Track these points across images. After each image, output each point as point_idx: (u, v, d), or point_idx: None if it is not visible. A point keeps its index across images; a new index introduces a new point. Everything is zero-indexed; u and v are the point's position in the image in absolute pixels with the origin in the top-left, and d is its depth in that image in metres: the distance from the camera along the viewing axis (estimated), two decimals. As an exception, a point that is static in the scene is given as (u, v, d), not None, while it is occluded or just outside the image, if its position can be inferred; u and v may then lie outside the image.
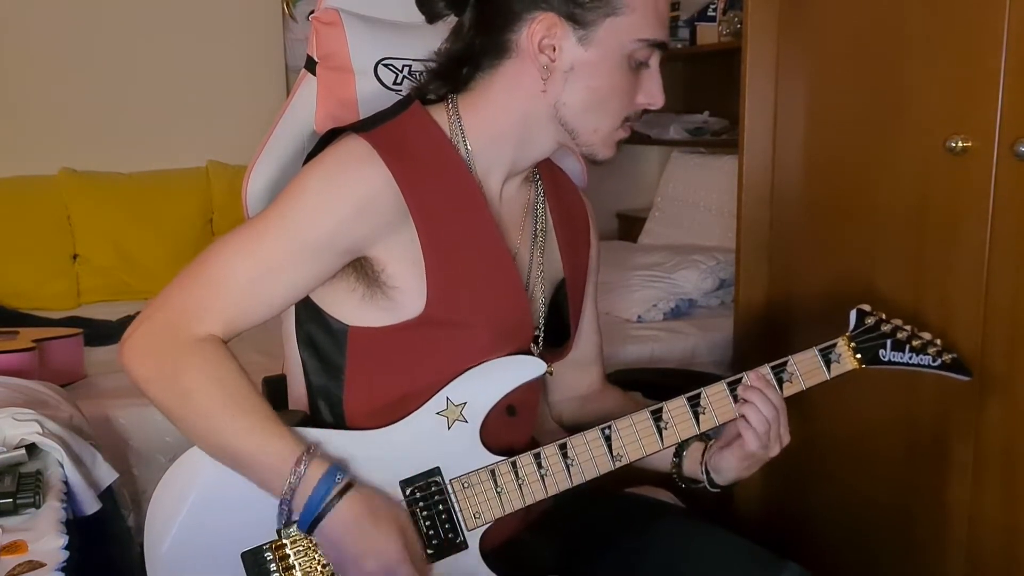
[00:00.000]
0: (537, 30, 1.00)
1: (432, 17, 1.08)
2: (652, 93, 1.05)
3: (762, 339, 1.87)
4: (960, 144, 1.38)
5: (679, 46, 3.16)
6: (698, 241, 2.91)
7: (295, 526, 0.98)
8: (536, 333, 1.12)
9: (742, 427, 1.06)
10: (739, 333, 1.95)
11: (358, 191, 0.98)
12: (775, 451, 1.07)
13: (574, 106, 1.03)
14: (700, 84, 3.45)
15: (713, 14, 3.03)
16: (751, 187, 1.84)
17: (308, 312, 1.08)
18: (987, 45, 1.33)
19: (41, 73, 3.04)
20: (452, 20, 1.09)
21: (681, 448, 1.14)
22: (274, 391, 1.37)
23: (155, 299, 0.99)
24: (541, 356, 1.10)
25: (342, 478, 0.95)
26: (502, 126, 1.05)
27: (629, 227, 3.54)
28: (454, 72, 1.07)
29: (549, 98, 1.03)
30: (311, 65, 1.29)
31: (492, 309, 1.05)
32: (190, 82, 3.18)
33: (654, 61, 1.05)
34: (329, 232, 0.98)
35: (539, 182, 1.16)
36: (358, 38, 1.26)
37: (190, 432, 0.97)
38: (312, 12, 1.30)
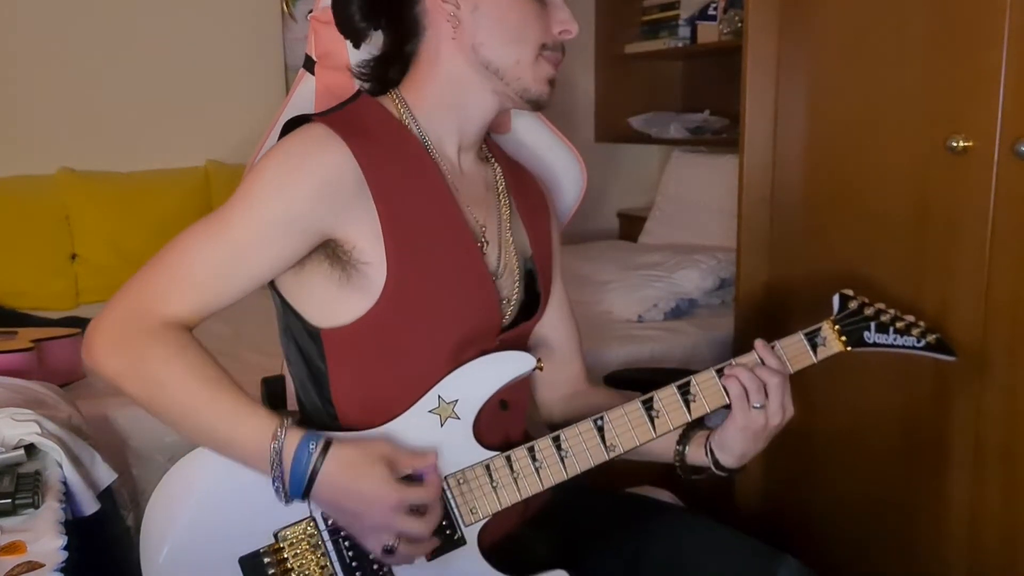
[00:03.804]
0: None
1: (356, 36, 1.13)
2: (564, 21, 1.09)
3: (762, 339, 1.87)
4: (960, 144, 1.37)
5: (679, 45, 3.16)
6: (699, 240, 2.91)
7: (296, 524, 0.99)
8: (504, 309, 1.12)
9: (736, 397, 1.06)
10: (739, 333, 1.95)
11: (319, 170, 0.99)
12: (776, 421, 1.06)
13: (490, 43, 1.07)
14: (700, 83, 3.45)
15: (713, 13, 3.03)
16: (752, 186, 1.84)
17: (288, 317, 1.09)
18: (987, 45, 1.33)
19: (40, 73, 3.03)
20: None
21: (684, 439, 1.14)
22: (273, 391, 1.37)
23: (117, 292, 0.99)
24: (514, 328, 1.12)
25: (317, 441, 0.95)
26: (438, 95, 1.09)
27: (630, 226, 3.54)
28: (383, 73, 1.12)
29: (465, 43, 1.07)
30: (309, 64, 1.29)
31: (452, 279, 1.06)
32: (189, 81, 3.17)
33: None
34: (291, 210, 0.98)
35: (494, 162, 1.19)
36: (357, 37, 1.26)
37: (167, 420, 0.97)
38: (311, 11, 1.30)
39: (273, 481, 0.95)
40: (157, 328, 0.96)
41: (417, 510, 0.97)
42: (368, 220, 1.01)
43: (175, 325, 0.97)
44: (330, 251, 1.02)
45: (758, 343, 1.09)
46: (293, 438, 0.95)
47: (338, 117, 1.05)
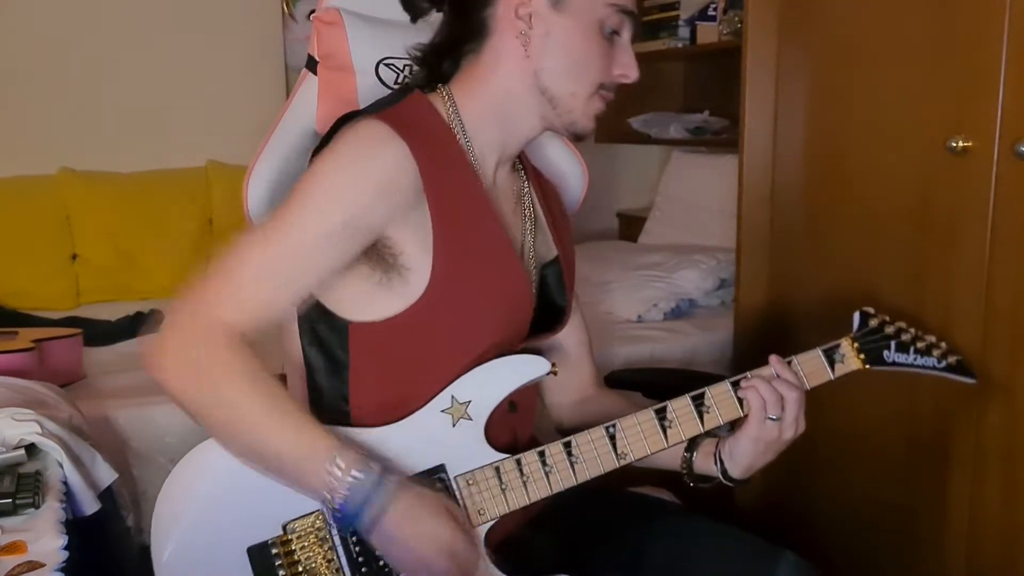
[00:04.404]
0: None
1: (416, 13, 1.12)
2: (626, 65, 1.09)
3: (762, 339, 1.87)
4: (960, 144, 1.38)
5: (679, 45, 3.16)
6: (699, 241, 2.91)
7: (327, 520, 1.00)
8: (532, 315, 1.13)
9: (755, 407, 1.06)
10: (739, 333, 1.95)
11: (381, 170, 0.99)
12: (789, 435, 1.07)
13: (553, 71, 1.06)
14: (700, 83, 3.45)
15: (713, 13, 3.03)
16: (751, 186, 1.84)
17: (312, 310, 1.08)
18: (987, 45, 1.33)
19: (41, 73, 3.03)
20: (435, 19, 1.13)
21: (692, 445, 1.14)
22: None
23: (177, 303, 0.97)
24: (535, 338, 1.11)
25: (390, 479, 0.94)
26: (491, 105, 1.08)
27: (629, 227, 3.54)
28: (438, 63, 1.11)
29: (530, 65, 1.06)
30: (312, 65, 1.29)
31: (494, 291, 1.06)
32: (190, 82, 3.17)
33: (626, 34, 1.10)
34: (354, 213, 0.98)
35: (522, 171, 1.19)
36: (359, 37, 1.26)
37: (221, 432, 0.96)
38: (313, 11, 1.30)
39: (332, 511, 0.95)
40: (219, 339, 0.94)
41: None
42: (419, 223, 1.01)
43: (236, 338, 0.95)
44: (374, 252, 1.01)
45: (774, 358, 1.09)
46: (366, 472, 0.93)
47: (394, 115, 1.03)
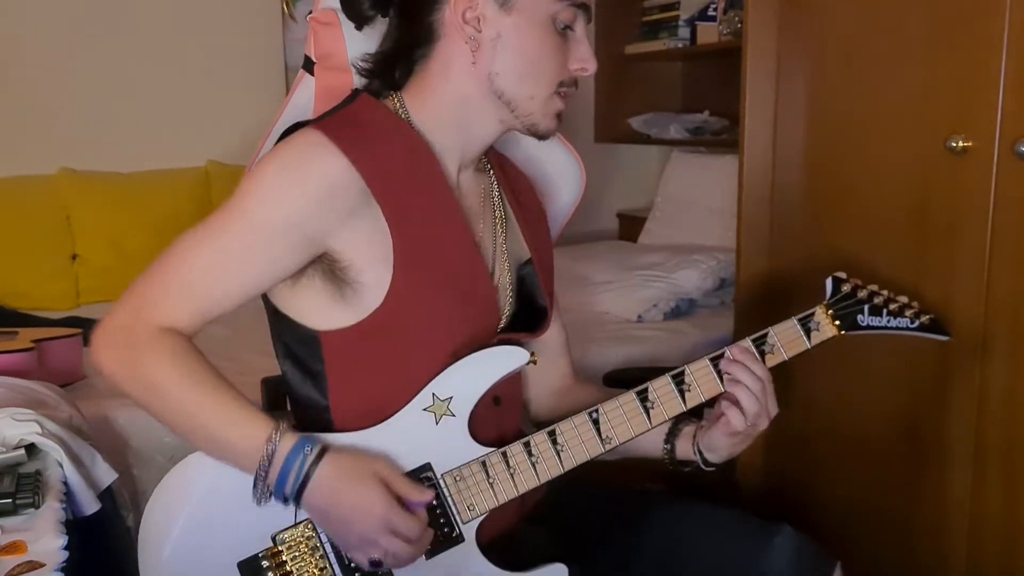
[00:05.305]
0: (459, 3, 1.02)
1: (360, 20, 1.11)
2: (583, 58, 1.07)
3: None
4: (960, 144, 1.38)
5: (679, 46, 3.16)
6: (698, 241, 2.91)
7: (291, 524, 0.99)
8: (502, 316, 1.12)
9: (725, 407, 1.07)
10: (739, 333, 1.94)
11: (316, 179, 0.97)
12: (764, 425, 1.07)
13: (507, 74, 1.04)
14: (700, 83, 3.45)
15: (713, 13, 3.03)
16: (751, 186, 1.84)
17: (281, 324, 1.08)
18: (987, 45, 1.33)
19: (41, 73, 3.03)
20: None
21: (672, 435, 1.14)
22: (273, 391, 1.37)
23: (120, 297, 0.99)
24: (517, 339, 1.11)
25: (313, 445, 0.95)
26: (445, 112, 1.06)
27: (629, 227, 3.54)
28: (388, 71, 1.09)
29: (482, 70, 1.04)
30: (309, 65, 1.29)
31: (458, 291, 1.06)
32: (190, 82, 3.17)
33: (579, 27, 1.07)
34: (287, 218, 0.97)
35: (491, 171, 1.17)
36: (356, 37, 1.26)
37: (166, 423, 0.98)
38: (311, 12, 1.30)
39: (255, 481, 0.95)
40: (153, 334, 0.96)
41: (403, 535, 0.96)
42: (371, 232, 1.00)
43: (171, 331, 0.97)
44: (325, 267, 1.01)
45: (734, 349, 1.08)
46: (288, 441, 0.95)
47: (335, 122, 1.02)
